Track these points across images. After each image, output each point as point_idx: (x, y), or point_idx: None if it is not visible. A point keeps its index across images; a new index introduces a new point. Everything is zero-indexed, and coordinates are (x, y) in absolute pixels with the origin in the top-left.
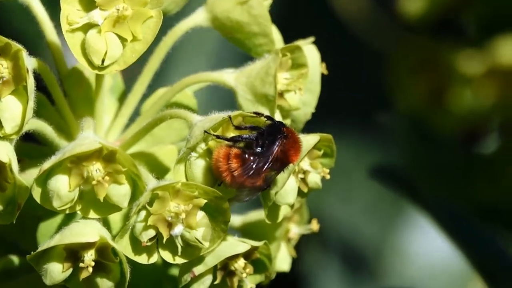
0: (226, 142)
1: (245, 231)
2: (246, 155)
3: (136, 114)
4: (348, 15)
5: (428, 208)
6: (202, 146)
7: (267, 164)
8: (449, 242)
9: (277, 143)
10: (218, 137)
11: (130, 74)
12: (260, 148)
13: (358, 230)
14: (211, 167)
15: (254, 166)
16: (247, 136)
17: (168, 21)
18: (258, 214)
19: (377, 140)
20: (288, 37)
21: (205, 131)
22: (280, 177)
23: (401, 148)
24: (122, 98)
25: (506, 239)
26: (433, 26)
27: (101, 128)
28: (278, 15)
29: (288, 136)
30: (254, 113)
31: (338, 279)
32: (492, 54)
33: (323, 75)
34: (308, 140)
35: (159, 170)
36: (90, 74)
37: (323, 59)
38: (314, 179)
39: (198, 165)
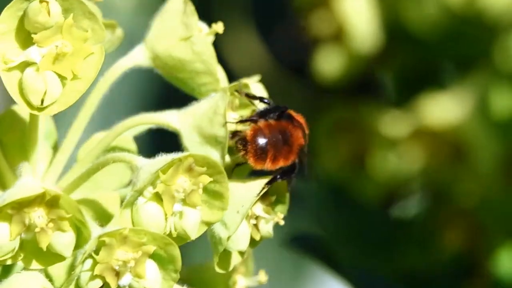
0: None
1: (192, 281)
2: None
3: (72, 160)
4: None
5: (347, 277)
6: (150, 189)
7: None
8: None
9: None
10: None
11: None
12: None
13: None
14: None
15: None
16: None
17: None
18: (206, 263)
19: None
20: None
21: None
22: (232, 220)
23: (317, 215)
24: (56, 146)
25: None
26: (351, 87)
27: (35, 176)
28: None
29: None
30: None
31: None
32: (415, 115)
33: None
34: (262, 182)
35: (101, 217)
36: (24, 118)
37: None
38: (266, 227)
39: (146, 210)
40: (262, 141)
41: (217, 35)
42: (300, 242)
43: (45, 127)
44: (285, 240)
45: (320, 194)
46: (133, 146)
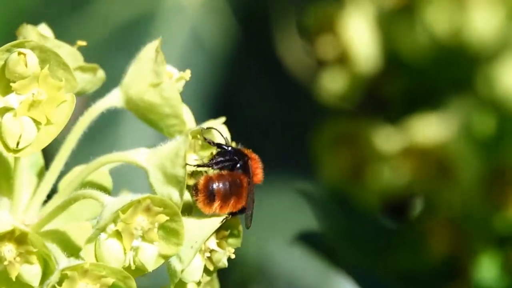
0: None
1: None
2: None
3: (54, 190)
4: None
5: (350, 274)
6: (112, 227)
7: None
8: None
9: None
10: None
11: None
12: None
13: (299, 277)
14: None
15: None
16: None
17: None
18: None
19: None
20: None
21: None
22: (186, 255)
23: (320, 217)
24: (41, 174)
25: None
26: (354, 104)
27: (20, 205)
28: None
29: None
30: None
31: None
32: (406, 133)
33: None
34: (215, 221)
35: (73, 247)
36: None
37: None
38: (221, 258)
39: (107, 245)
40: (210, 191)
41: None
42: (305, 239)
43: (32, 157)
44: (294, 237)
45: (322, 198)
46: (108, 179)
